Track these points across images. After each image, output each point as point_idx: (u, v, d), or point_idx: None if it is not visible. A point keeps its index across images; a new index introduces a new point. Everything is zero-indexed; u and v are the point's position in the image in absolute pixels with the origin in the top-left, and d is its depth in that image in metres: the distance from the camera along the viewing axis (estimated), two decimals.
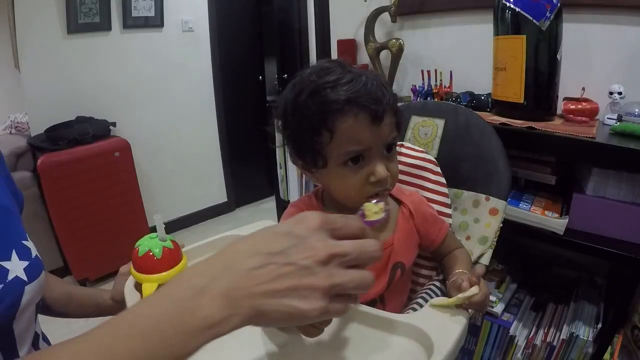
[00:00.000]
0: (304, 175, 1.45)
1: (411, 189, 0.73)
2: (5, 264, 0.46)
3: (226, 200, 2.96)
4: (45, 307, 0.62)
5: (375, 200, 0.50)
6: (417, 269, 0.72)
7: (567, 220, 0.87)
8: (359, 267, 0.31)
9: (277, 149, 1.49)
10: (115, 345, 0.27)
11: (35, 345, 0.53)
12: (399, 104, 0.59)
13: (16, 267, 0.47)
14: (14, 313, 0.46)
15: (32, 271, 0.49)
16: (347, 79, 0.51)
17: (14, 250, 0.48)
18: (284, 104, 0.55)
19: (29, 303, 0.48)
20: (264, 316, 0.29)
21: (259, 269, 0.29)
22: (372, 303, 0.60)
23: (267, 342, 0.49)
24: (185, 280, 0.30)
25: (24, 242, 0.51)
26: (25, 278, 0.47)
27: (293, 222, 0.32)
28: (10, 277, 0.46)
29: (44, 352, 0.28)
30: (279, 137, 0.60)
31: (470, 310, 0.51)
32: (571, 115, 0.96)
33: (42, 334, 0.57)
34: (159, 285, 0.54)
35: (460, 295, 0.49)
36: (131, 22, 2.22)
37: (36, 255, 0.52)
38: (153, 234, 0.58)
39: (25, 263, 0.49)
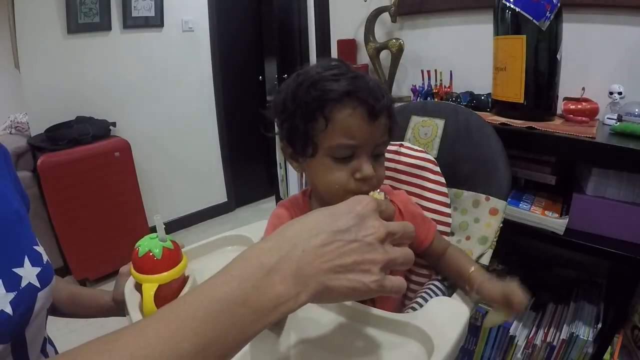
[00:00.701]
0: (303, 175, 1.45)
1: (411, 189, 0.73)
2: (18, 270, 0.46)
3: (226, 200, 2.96)
4: (51, 308, 0.62)
5: (378, 190, 0.49)
6: (416, 268, 0.72)
7: (567, 220, 0.87)
8: (401, 245, 0.35)
9: (277, 149, 1.49)
10: (183, 329, 0.26)
11: (43, 350, 0.52)
12: (399, 104, 0.59)
13: (29, 273, 0.47)
14: (28, 320, 0.46)
15: (44, 277, 0.49)
16: (351, 75, 0.53)
17: (26, 257, 0.47)
18: (285, 91, 0.56)
19: (41, 309, 0.48)
20: (330, 291, 0.30)
21: (327, 246, 0.31)
22: (362, 301, 0.60)
23: (265, 343, 0.49)
24: (252, 259, 0.31)
25: (35, 247, 0.50)
26: (38, 285, 0.47)
27: (351, 203, 0.35)
28: (23, 284, 0.45)
29: (106, 339, 0.27)
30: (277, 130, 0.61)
31: (471, 310, 0.51)
32: (571, 115, 0.96)
33: (48, 337, 0.57)
34: (160, 286, 0.54)
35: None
36: (131, 22, 2.22)
37: (47, 260, 0.51)
38: (153, 234, 0.57)
39: (38, 269, 0.48)
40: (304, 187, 1.48)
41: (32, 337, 0.48)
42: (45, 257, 0.51)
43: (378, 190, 0.49)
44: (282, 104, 0.56)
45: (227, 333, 0.27)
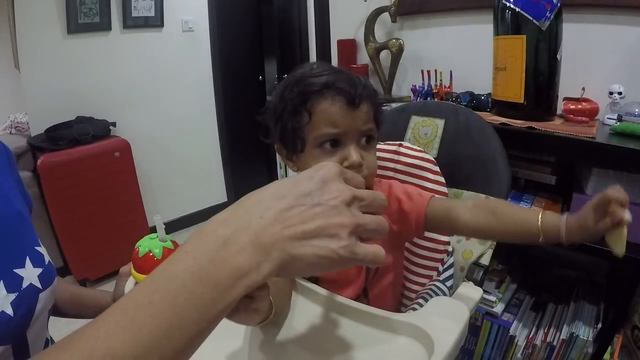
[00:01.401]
0: None
1: None
2: (19, 271, 0.45)
3: (226, 200, 2.96)
4: (54, 309, 0.62)
5: None
6: (416, 268, 0.72)
7: None
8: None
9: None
10: (141, 315, 0.25)
11: None
12: (399, 104, 0.59)
13: (30, 274, 0.46)
14: (29, 321, 0.45)
15: (46, 278, 0.48)
16: (331, 71, 0.56)
17: (27, 257, 0.47)
18: (275, 94, 0.59)
19: (43, 310, 0.48)
20: (296, 261, 0.28)
21: (288, 211, 0.28)
22: (356, 298, 0.60)
23: (263, 342, 0.49)
24: (207, 233, 0.28)
25: (36, 247, 0.50)
26: (39, 285, 0.47)
27: (313, 169, 0.32)
28: (24, 284, 0.45)
29: (72, 335, 0.26)
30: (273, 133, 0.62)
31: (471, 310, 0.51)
32: (571, 115, 0.96)
33: (51, 338, 0.57)
34: None
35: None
36: (131, 22, 2.22)
37: (49, 261, 0.51)
38: (153, 235, 0.58)
39: (39, 270, 0.48)
40: None
41: (34, 338, 0.47)
42: (47, 258, 0.51)
43: None
44: (273, 106, 0.59)
45: (188, 315, 0.25)
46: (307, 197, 0.29)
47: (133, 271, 0.56)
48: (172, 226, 2.46)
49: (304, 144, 0.56)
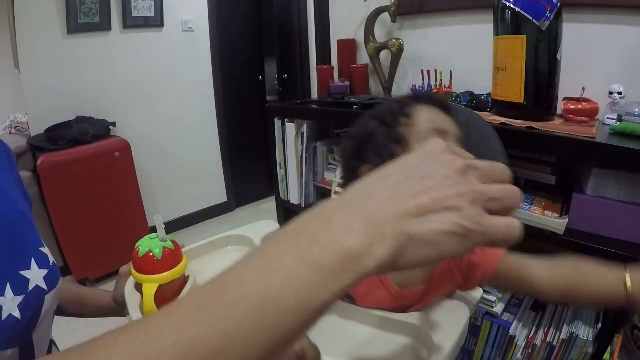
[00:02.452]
0: (303, 176, 1.45)
1: None
2: (25, 273, 0.45)
3: (226, 200, 2.96)
4: (57, 308, 0.62)
5: None
6: None
7: (567, 220, 0.87)
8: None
9: (277, 149, 1.49)
10: (228, 296, 0.21)
11: (50, 353, 0.52)
12: None
13: (36, 276, 0.46)
14: (35, 323, 0.45)
15: (51, 279, 0.48)
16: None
17: (33, 259, 0.47)
18: (358, 129, 0.59)
19: (48, 311, 0.48)
20: (414, 241, 0.23)
21: (398, 186, 0.25)
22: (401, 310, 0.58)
23: None
24: (313, 213, 0.25)
25: (41, 249, 0.50)
26: (45, 287, 0.46)
27: (419, 147, 0.29)
28: (31, 287, 0.45)
29: (136, 321, 0.22)
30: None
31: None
32: (571, 115, 0.96)
33: (53, 339, 0.56)
34: (160, 286, 0.54)
35: None
36: (131, 22, 2.23)
37: (53, 262, 0.51)
38: (153, 235, 0.58)
39: (45, 271, 0.47)
40: (304, 187, 1.48)
41: (40, 340, 0.47)
42: (51, 259, 0.50)
43: None
44: (358, 136, 0.59)
45: (285, 301, 0.21)
46: (415, 172, 0.26)
47: (133, 271, 0.56)
48: (172, 226, 2.46)
49: (407, 146, 0.55)
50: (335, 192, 0.74)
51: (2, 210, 0.46)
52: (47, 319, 0.49)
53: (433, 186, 0.25)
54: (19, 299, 0.43)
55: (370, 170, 0.54)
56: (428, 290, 0.56)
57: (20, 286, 0.43)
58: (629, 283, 0.44)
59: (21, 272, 0.44)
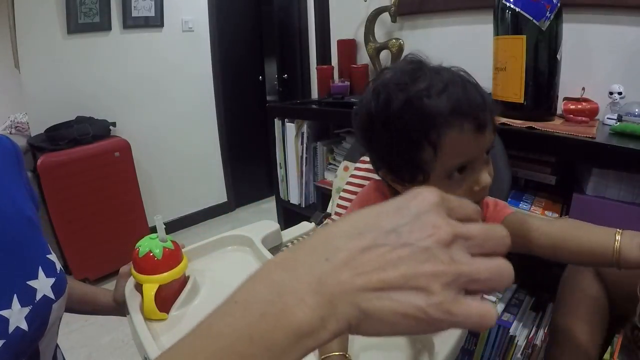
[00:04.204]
0: (303, 176, 1.45)
1: None
2: (33, 283, 0.43)
3: (226, 200, 2.96)
4: None
5: None
6: None
7: None
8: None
9: (277, 149, 1.49)
10: None
11: (55, 358, 0.51)
12: None
13: (44, 285, 0.45)
14: (42, 333, 0.44)
15: (59, 287, 0.47)
16: (442, 85, 0.46)
17: (40, 267, 0.45)
18: (367, 113, 0.50)
19: (55, 320, 0.47)
20: (368, 318, 0.21)
21: (365, 252, 0.22)
22: None
23: None
24: (261, 278, 0.23)
25: (48, 256, 0.48)
26: (52, 296, 0.45)
27: (405, 198, 0.25)
28: (38, 297, 0.43)
29: None
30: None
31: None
32: (571, 115, 0.96)
33: (57, 344, 0.56)
34: (160, 286, 0.54)
35: None
36: (131, 22, 2.22)
37: (60, 269, 0.49)
38: (153, 235, 0.58)
39: (52, 280, 0.46)
40: (304, 187, 1.48)
41: (45, 347, 0.46)
42: (58, 266, 0.49)
43: None
44: (366, 129, 0.51)
45: None
46: (390, 235, 0.22)
47: (133, 271, 0.57)
48: (172, 226, 2.47)
49: (427, 176, 0.49)
50: (356, 169, 0.72)
51: (9, 219, 0.44)
52: (54, 327, 0.48)
53: (406, 258, 0.21)
54: (26, 310, 0.41)
55: (386, 174, 0.52)
56: None
57: (27, 297, 0.42)
58: (617, 237, 0.45)
59: (28, 282, 0.43)
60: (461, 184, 0.49)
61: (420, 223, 0.23)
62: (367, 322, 0.21)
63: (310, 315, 0.21)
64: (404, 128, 0.46)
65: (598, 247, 0.46)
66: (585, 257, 0.47)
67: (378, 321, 0.21)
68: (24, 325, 0.41)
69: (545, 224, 0.52)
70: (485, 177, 0.50)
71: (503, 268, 0.22)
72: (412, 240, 0.22)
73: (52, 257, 0.49)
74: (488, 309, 0.22)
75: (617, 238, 0.45)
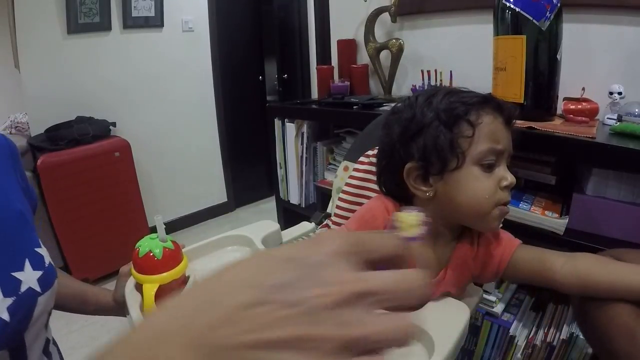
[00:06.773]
0: (303, 176, 1.45)
1: None
2: (17, 274, 0.44)
3: (226, 200, 2.97)
4: (56, 304, 0.62)
5: (410, 210, 0.34)
6: None
7: (567, 220, 0.87)
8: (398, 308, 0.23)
9: (277, 149, 1.49)
10: None
11: (45, 352, 0.51)
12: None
13: (29, 277, 0.45)
14: (26, 325, 0.44)
15: (46, 281, 0.47)
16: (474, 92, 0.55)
17: (27, 260, 0.46)
18: (409, 106, 0.55)
19: (42, 313, 0.47)
20: None
21: (249, 308, 0.20)
22: None
23: None
24: (150, 320, 0.22)
25: (36, 249, 0.49)
26: (38, 289, 0.45)
27: (306, 244, 0.23)
28: (23, 288, 0.44)
29: None
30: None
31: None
32: (571, 115, 0.96)
33: (52, 339, 0.56)
34: (161, 286, 0.54)
35: None
36: (131, 22, 2.23)
37: (49, 263, 0.49)
38: (153, 235, 0.58)
39: (39, 273, 0.46)
40: (304, 187, 1.48)
41: (32, 340, 0.47)
42: (47, 260, 0.49)
43: (409, 210, 0.33)
44: (408, 120, 0.54)
45: None
46: (282, 291, 0.20)
47: (133, 271, 0.56)
48: (172, 226, 2.47)
49: (463, 160, 0.51)
50: (355, 170, 0.74)
51: None
52: (41, 320, 0.48)
53: (295, 318, 0.19)
54: (9, 300, 0.42)
55: (414, 170, 0.54)
56: (443, 279, 0.56)
57: (11, 288, 0.43)
58: None
59: (13, 274, 0.44)
60: (489, 175, 0.52)
61: (314, 279, 0.21)
62: None
63: None
64: (448, 109, 0.52)
65: (633, 285, 0.46)
66: (620, 295, 0.47)
67: None
68: (6, 316, 0.41)
69: (566, 260, 0.53)
70: (511, 176, 0.52)
71: (403, 327, 0.21)
72: (303, 298, 0.20)
73: (42, 250, 0.49)
74: None
75: None
